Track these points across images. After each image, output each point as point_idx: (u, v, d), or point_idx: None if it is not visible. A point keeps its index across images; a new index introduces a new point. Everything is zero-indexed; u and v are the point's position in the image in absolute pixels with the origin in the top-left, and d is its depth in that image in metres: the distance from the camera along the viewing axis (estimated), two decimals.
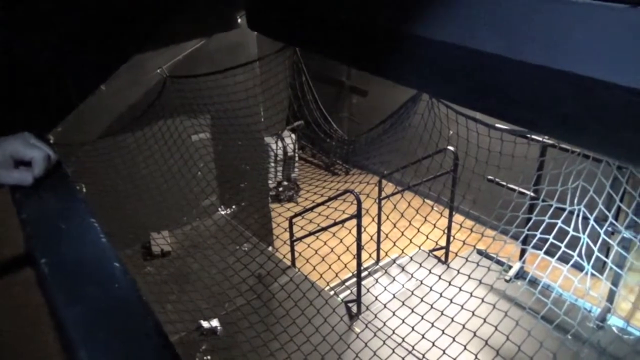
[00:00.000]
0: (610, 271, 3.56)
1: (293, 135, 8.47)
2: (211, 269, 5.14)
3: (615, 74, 1.62)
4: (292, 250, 5.62)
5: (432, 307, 3.96)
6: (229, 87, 5.43)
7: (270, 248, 6.27)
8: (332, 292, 5.06)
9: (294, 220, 5.51)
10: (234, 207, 6.59)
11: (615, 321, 4.08)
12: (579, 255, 3.34)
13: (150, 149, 5.48)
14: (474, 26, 1.98)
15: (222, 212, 6.49)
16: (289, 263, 5.49)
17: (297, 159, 8.72)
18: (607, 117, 1.74)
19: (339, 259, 4.66)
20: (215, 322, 4.62)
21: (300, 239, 5.42)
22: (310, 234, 5.26)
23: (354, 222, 4.52)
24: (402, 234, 4.58)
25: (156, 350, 0.83)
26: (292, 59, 7.35)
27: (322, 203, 5.14)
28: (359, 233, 4.48)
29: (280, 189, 8.36)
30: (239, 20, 5.82)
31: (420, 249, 4.94)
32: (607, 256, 3.50)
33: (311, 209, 5.19)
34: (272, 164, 8.24)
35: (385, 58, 2.57)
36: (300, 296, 4.58)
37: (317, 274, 4.80)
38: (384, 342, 4.10)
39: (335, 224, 4.86)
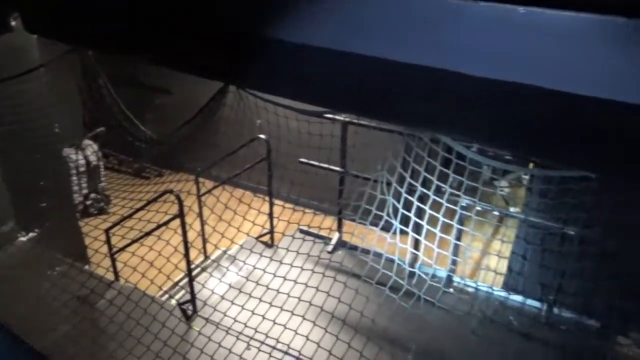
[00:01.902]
0: (415, 225, 4.12)
1: (95, 145, 7.90)
2: (23, 299, 4.60)
3: (410, 54, 1.90)
4: (114, 263, 5.28)
5: (268, 288, 4.12)
6: (13, 98, 4.86)
7: (87, 266, 5.81)
8: (166, 296, 4.92)
9: (111, 231, 5.19)
10: (37, 230, 5.94)
11: (423, 269, 4.72)
12: (388, 215, 3.79)
13: None
14: (283, 16, 2.13)
15: (24, 238, 5.81)
16: (112, 277, 5.17)
17: (102, 168, 8.16)
18: (402, 93, 2.04)
19: (168, 261, 4.57)
20: None
21: (122, 249, 5.13)
22: (133, 242, 5.02)
23: (178, 222, 4.44)
24: (229, 225, 4.67)
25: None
26: (85, 62, 6.84)
27: (141, 208, 4.94)
28: (184, 232, 4.42)
29: (89, 202, 7.75)
30: (13, 23, 5.21)
31: (248, 236, 5.07)
32: (409, 212, 4.04)
33: (129, 216, 4.95)
34: (75, 177, 7.59)
35: (188, 52, 2.59)
36: (132, 307, 4.37)
37: (148, 281, 4.62)
38: (227, 332, 4.15)
39: (158, 226, 4.72)
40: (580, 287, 4.22)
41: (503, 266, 4.75)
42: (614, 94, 1.36)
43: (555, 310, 4.52)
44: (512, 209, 6.05)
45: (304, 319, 3.97)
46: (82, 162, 7.68)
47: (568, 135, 1.65)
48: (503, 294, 4.75)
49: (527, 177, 5.19)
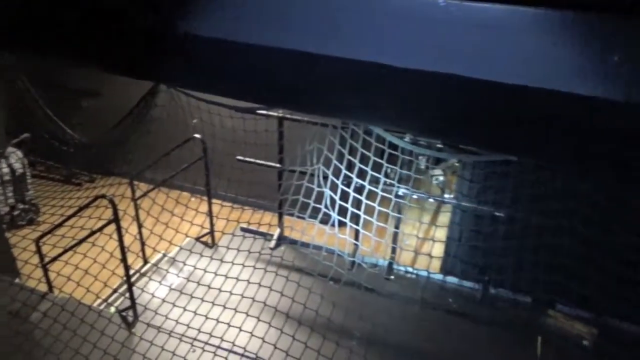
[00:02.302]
0: (353, 216, 4.19)
1: (19, 152, 7.50)
2: None
3: (338, 48, 1.94)
4: (46, 274, 5.06)
5: (210, 287, 4.09)
6: None
7: (17, 279, 5.53)
8: (104, 304, 4.76)
9: (42, 240, 4.96)
10: None
11: (364, 258, 4.82)
12: (326, 207, 3.85)
13: None
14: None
15: None
16: (45, 288, 4.95)
17: (29, 176, 7.76)
18: (332, 87, 2.08)
19: (104, 267, 4.43)
20: None
21: (54, 259, 4.92)
22: (65, 250, 4.82)
23: (113, 227, 4.31)
24: (168, 227, 4.58)
25: None
26: (3, 65, 6.48)
27: (73, 215, 4.75)
28: (120, 237, 4.30)
29: (16, 212, 7.36)
30: None
31: (187, 237, 4.99)
32: (347, 203, 4.11)
33: (60, 224, 4.75)
34: (0, 187, 7.19)
35: (109, 50, 2.52)
36: (68, 318, 4.22)
37: (84, 289, 4.47)
38: (169, 334, 4.08)
39: (92, 233, 4.56)
40: (511, 265, 4.45)
41: (441, 251, 4.93)
42: (534, 81, 1.46)
43: (491, 289, 4.74)
44: (446, 196, 6.27)
45: (248, 315, 3.97)
46: (7, 170, 7.28)
47: (491, 121, 1.75)
48: (441, 277, 4.93)
49: (458, 164, 5.39)
